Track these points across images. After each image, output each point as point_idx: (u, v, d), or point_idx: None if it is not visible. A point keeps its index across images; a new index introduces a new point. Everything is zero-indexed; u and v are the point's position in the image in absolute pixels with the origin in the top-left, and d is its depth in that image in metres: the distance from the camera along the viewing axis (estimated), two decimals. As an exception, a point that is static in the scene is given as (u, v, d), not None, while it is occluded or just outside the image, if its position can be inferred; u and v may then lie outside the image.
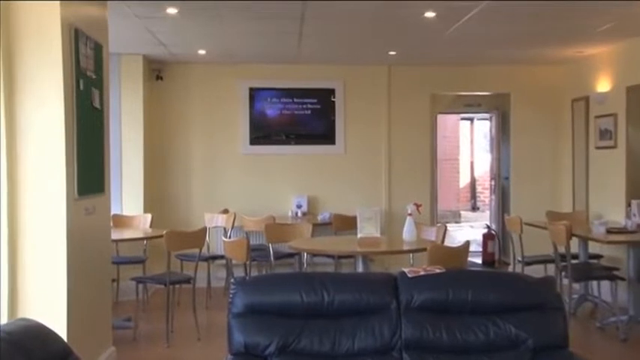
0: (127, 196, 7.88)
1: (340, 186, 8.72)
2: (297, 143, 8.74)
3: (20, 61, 4.02)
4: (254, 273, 7.09)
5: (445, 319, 3.24)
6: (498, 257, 9.59)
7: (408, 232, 5.67)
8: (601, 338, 6.13)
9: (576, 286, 6.84)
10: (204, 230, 6.17)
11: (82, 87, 4.33)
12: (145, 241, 6.83)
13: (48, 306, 4.05)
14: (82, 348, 3.58)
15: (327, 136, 8.78)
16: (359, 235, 5.69)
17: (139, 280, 6.35)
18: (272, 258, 6.31)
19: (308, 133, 8.79)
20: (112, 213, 5.77)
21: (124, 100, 7.86)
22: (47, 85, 4.05)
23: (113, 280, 6.29)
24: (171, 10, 5.77)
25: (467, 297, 3.28)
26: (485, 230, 9.84)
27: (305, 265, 6.86)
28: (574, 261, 6.54)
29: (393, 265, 7.47)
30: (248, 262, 5.77)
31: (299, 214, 8.37)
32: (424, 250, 5.03)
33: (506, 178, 9.50)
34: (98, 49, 4.69)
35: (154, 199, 8.30)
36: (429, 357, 3.18)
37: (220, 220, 7.61)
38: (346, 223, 7.16)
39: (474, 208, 16.35)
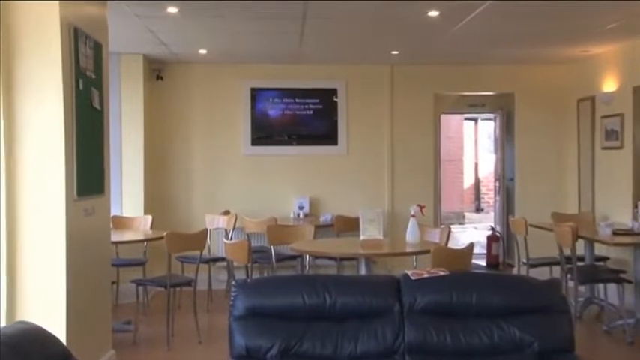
0: (127, 197, 7.85)
1: (343, 187, 8.71)
2: (299, 144, 8.72)
3: (19, 61, 4.02)
4: (255, 275, 7.08)
5: (449, 322, 3.23)
6: (503, 259, 9.57)
7: (411, 234, 5.67)
8: (607, 342, 6.09)
9: (582, 288, 6.80)
10: (205, 232, 6.15)
11: (81, 87, 4.32)
12: (145, 243, 6.81)
13: (47, 309, 4.05)
14: (82, 351, 3.64)
15: (329, 137, 8.75)
16: (361, 237, 5.67)
17: (139, 283, 6.32)
18: (274, 260, 6.33)
19: (310, 133, 8.76)
20: (112, 214, 5.75)
21: (123, 100, 7.84)
22: (46, 84, 4.06)
23: (113, 283, 6.30)
24: (172, 10, 5.74)
25: (471, 299, 3.27)
26: (490, 232, 9.81)
27: (307, 267, 6.88)
28: (580, 263, 6.52)
29: (396, 268, 7.45)
30: (249, 264, 5.75)
31: (301, 216, 8.35)
32: (427, 252, 5.03)
33: (511, 179, 9.48)
34: (98, 49, 4.69)
35: (154, 201, 8.28)
36: (432, 360, 3.17)
37: (221, 221, 7.58)
38: (349, 225, 7.17)
39: (478, 210, 16.38)
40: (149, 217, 7.22)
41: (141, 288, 6.56)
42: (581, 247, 6.64)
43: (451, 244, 6.03)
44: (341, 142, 8.75)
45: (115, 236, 5.98)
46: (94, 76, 4.57)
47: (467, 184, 16.51)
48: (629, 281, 6.30)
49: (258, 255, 7.00)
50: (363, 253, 5.58)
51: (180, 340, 5.97)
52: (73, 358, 2.51)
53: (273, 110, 8.72)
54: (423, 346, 3.18)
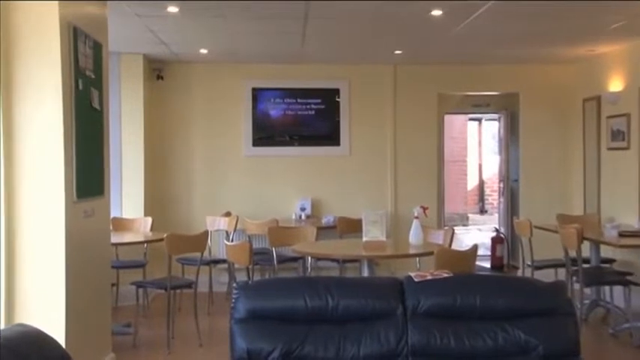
0: (127, 198, 7.83)
1: (345, 188, 8.69)
2: (300, 144, 8.71)
3: (18, 61, 4.02)
4: (257, 277, 7.06)
5: (453, 325, 3.22)
6: (507, 261, 9.56)
7: (414, 236, 5.65)
8: (614, 345, 6.06)
9: (588, 291, 6.77)
10: (205, 234, 6.14)
11: (80, 87, 4.32)
12: (145, 245, 6.79)
13: (46, 311, 4.04)
14: (81, 354, 3.74)
15: (331, 137, 8.73)
16: (364, 239, 5.66)
17: (139, 285, 6.30)
18: (275, 262, 6.34)
19: (312, 134, 8.75)
20: (112, 216, 5.76)
21: (123, 100, 7.82)
22: (45, 84, 4.06)
23: (113, 285, 6.27)
24: (172, 9, 5.73)
25: (475, 302, 3.26)
26: (494, 233, 9.82)
27: (309, 269, 6.96)
28: (585, 265, 6.50)
29: (399, 270, 7.44)
30: (251, 267, 5.74)
31: (303, 217, 8.34)
32: (431, 254, 5.01)
33: (516, 180, 9.46)
34: (97, 48, 4.69)
35: (154, 202, 8.26)
36: (435, 364, 3.18)
37: (222, 223, 7.57)
38: (351, 227, 7.17)
39: (482, 211, 16.37)
40: (149, 219, 7.20)
41: (141, 290, 6.53)
42: (586, 249, 6.61)
43: (455, 246, 6.02)
44: (343, 143, 8.73)
45: (115, 238, 5.98)
46: (93, 76, 4.56)
47: (471, 185, 16.51)
48: (635, 284, 6.27)
49: (259, 257, 6.95)
50: (366, 255, 5.56)
51: (180, 343, 5.94)
52: (72, 361, 2.48)
53: (275, 110, 8.70)
54: (426, 349, 3.17)
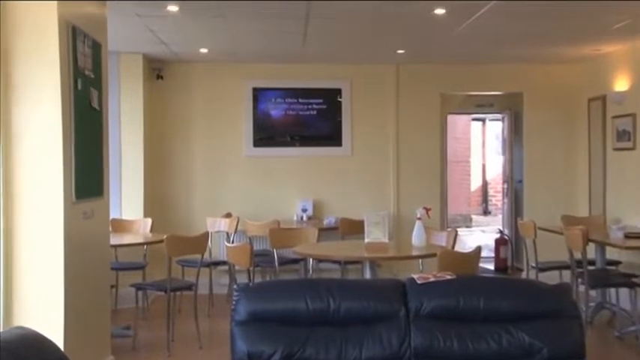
0: (127, 199, 7.82)
1: (347, 189, 8.67)
2: (302, 145, 8.69)
3: (16, 61, 4.02)
4: (258, 279, 7.05)
5: (456, 328, 3.22)
6: (511, 263, 9.54)
7: (417, 237, 5.65)
8: (620, 348, 6.02)
9: (593, 293, 6.74)
10: (206, 235, 6.13)
11: (79, 87, 4.32)
12: (144, 247, 6.78)
13: (45, 314, 4.05)
14: (80, 357, 3.84)
15: (333, 138, 8.71)
16: (366, 240, 5.66)
17: (138, 287, 6.29)
18: (276, 264, 6.34)
19: (313, 134, 8.73)
20: (111, 217, 5.77)
21: (123, 100, 7.80)
22: (44, 84, 4.06)
23: (112, 287, 6.27)
24: (172, 8, 5.71)
25: (479, 304, 3.26)
26: (498, 235, 9.79)
27: (310, 271, 6.85)
28: (591, 267, 6.46)
29: (402, 272, 7.43)
30: (251, 268, 5.71)
31: (304, 219, 8.33)
32: (434, 255, 5.00)
33: (520, 181, 9.45)
34: (97, 48, 4.70)
35: (154, 203, 8.24)
36: (439, 366, 3.18)
37: (223, 224, 7.56)
38: (353, 228, 7.14)
39: (486, 212, 16.42)
40: (149, 220, 7.19)
41: (140, 292, 6.52)
42: (592, 251, 6.57)
43: (458, 248, 6.02)
44: (345, 143, 8.71)
45: (114, 239, 5.99)
46: (92, 76, 4.57)
47: (474, 186, 16.55)
48: (641, 286, 6.27)
49: (260, 259, 6.95)
50: (368, 256, 5.55)
51: (180, 345, 5.92)
52: (71, 363, 2.51)
53: (276, 110, 8.69)
54: (429, 351, 3.16)
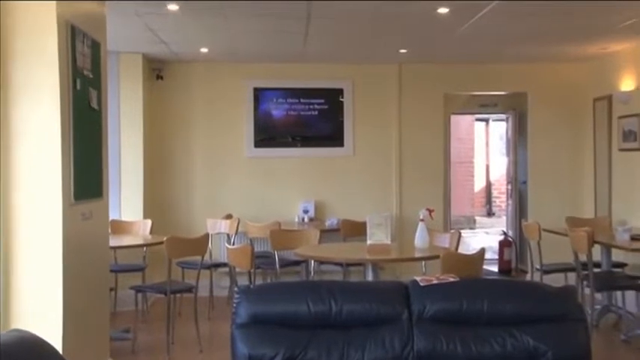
0: (126, 200, 7.80)
1: (349, 190, 8.66)
2: (303, 145, 8.68)
3: (15, 60, 4.01)
4: (259, 281, 7.06)
5: (459, 331, 3.22)
6: (515, 265, 9.54)
7: (420, 239, 5.64)
8: (626, 352, 6.00)
9: (599, 296, 6.72)
10: (206, 237, 6.12)
11: (78, 87, 4.31)
12: (144, 248, 6.79)
13: (43, 316, 4.04)
14: None
15: (335, 138, 8.70)
16: (368, 242, 5.66)
17: (138, 289, 6.27)
18: (277, 266, 6.30)
19: (315, 134, 8.72)
20: (110, 218, 5.75)
21: (122, 100, 7.79)
22: (43, 84, 4.05)
23: (111, 289, 6.27)
24: (172, 7, 5.70)
25: (482, 307, 3.26)
26: (502, 237, 9.78)
27: (312, 273, 6.82)
28: (596, 269, 6.45)
29: (405, 274, 7.33)
30: (252, 270, 5.74)
31: (306, 220, 8.32)
32: (437, 257, 4.99)
33: (524, 182, 9.43)
34: (96, 47, 4.69)
35: (154, 204, 8.22)
36: (442, 370, 3.18)
37: (223, 226, 7.55)
38: (355, 230, 7.15)
39: (490, 214, 16.48)
40: (149, 222, 7.18)
41: (140, 295, 6.51)
42: (597, 253, 6.56)
43: (461, 250, 6.03)
44: (347, 144, 8.70)
45: (114, 241, 5.98)
46: (91, 76, 4.55)
47: (478, 187, 16.59)
48: (648, 288, 6.27)
49: (261, 260, 6.94)
50: (370, 258, 5.56)
51: (180, 348, 5.91)
52: (70, 367, 2.50)
53: (277, 111, 8.67)
54: (432, 355, 3.16)
